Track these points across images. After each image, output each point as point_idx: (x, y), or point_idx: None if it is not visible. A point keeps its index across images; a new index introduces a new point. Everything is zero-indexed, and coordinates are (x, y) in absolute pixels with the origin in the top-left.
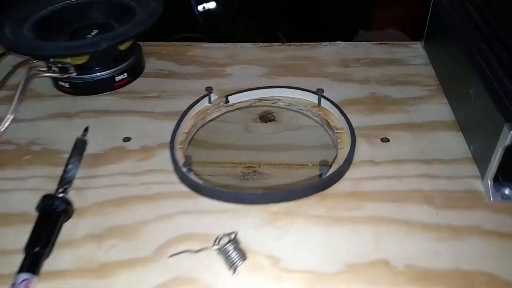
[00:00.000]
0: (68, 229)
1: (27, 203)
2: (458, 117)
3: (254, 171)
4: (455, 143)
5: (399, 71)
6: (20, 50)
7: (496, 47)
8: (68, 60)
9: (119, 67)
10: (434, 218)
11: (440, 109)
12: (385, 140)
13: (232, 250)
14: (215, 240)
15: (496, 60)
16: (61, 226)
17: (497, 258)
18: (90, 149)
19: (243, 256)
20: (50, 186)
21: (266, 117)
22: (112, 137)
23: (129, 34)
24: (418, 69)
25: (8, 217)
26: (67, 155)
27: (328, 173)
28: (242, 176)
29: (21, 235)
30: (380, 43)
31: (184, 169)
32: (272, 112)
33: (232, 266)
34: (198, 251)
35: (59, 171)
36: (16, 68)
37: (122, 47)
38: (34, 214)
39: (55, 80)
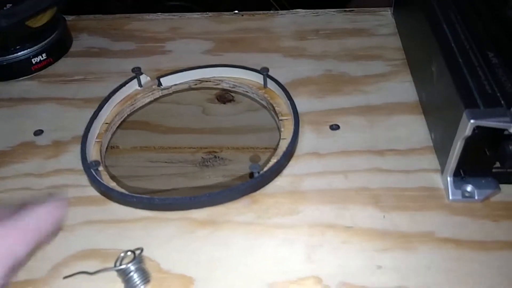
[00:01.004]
0: None
1: None
2: (421, 99)
3: (215, 157)
4: (415, 129)
5: (362, 43)
6: None
7: (468, 15)
8: None
9: (35, 47)
10: (380, 223)
11: (403, 88)
12: (334, 127)
13: (134, 271)
14: (118, 258)
15: (465, 30)
16: None
17: (452, 272)
18: None
19: (146, 278)
20: None
21: (224, 97)
22: (22, 130)
23: (36, 7)
24: (383, 41)
25: None
26: None
27: (262, 170)
28: (201, 162)
29: None
30: (345, 11)
31: (92, 170)
32: (230, 91)
33: None
34: (95, 272)
35: None
36: None
37: (34, 23)
38: None
39: None
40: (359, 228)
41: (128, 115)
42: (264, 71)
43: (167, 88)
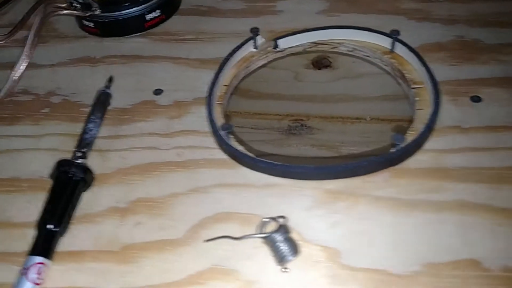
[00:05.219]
0: (87, 200)
1: (42, 167)
2: None
3: (301, 125)
4: None
5: (492, 8)
6: None
7: None
8: None
9: (150, 3)
10: None
11: None
12: (476, 99)
13: (282, 241)
14: (260, 225)
15: None
16: (78, 197)
17: None
18: (115, 103)
19: (295, 249)
20: (69, 147)
21: (321, 63)
22: (141, 89)
23: None
24: None
25: (19, 182)
26: (87, 109)
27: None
28: (288, 130)
29: (34, 204)
30: None
31: (223, 133)
32: (328, 56)
33: (282, 260)
34: (240, 238)
35: (79, 128)
36: (38, 5)
37: None
38: (48, 179)
39: (79, 19)
40: None
41: (243, 78)
42: (394, 34)
43: (282, 51)
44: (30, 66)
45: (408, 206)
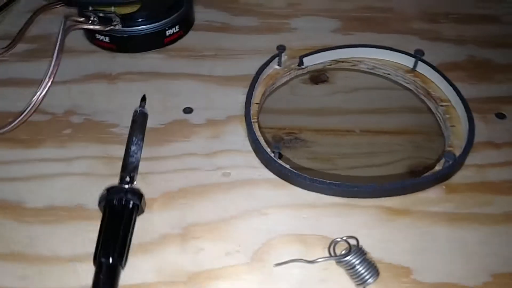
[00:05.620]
0: (139, 228)
1: (78, 193)
2: None
3: (295, 138)
4: None
5: (499, 31)
6: None
7: None
8: (112, 8)
9: (170, 18)
10: None
11: None
12: (500, 116)
13: (359, 263)
14: (330, 246)
15: None
16: (133, 226)
17: None
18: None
19: (375, 270)
20: (102, 170)
21: (318, 78)
22: (169, 107)
23: None
24: None
25: (56, 210)
26: (115, 129)
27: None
28: (282, 143)
29: (75, 236)
30: None
31: (272, 154)
32: (326, 72)
33: (363, 283)
34: (314, 261)
35: (110, 150)
36: (36, 15)
37: None
38: (87, 208)
39: (90, 33)
40: None
41: (268, 96)
42: (418, 54)
43: (303, 68)
44: (40, 83)
45: (465, 219)
